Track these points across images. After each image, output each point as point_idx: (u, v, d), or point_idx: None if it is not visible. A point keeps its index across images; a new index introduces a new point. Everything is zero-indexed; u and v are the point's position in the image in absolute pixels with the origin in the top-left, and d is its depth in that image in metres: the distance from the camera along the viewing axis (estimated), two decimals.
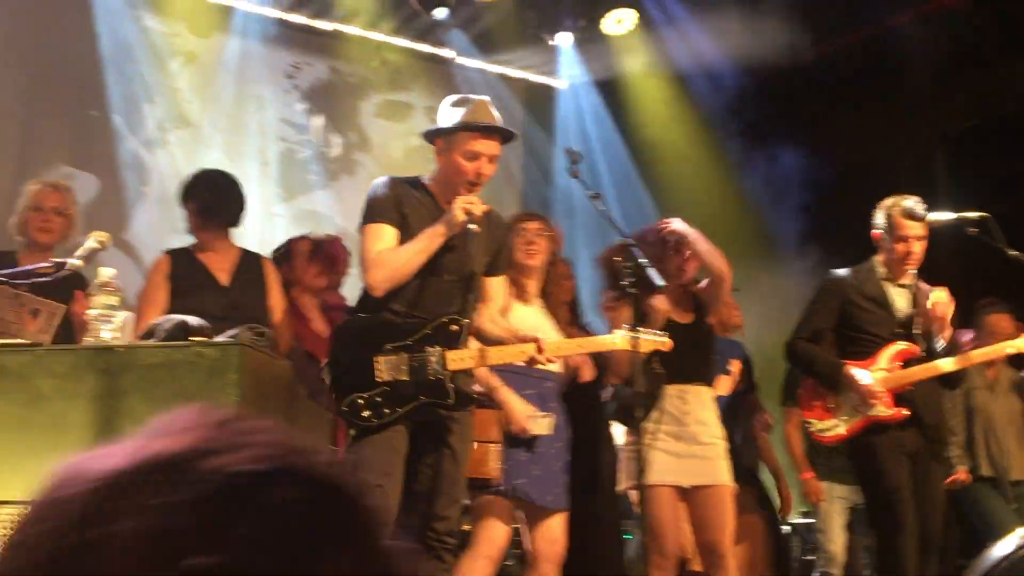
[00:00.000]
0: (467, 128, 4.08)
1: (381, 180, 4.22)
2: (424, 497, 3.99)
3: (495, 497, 4.59)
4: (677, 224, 5.00)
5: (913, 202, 4.98)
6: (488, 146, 4.08)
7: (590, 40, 9.38)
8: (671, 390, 4.90)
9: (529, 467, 4.62)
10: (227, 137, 8.46)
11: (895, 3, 9.15)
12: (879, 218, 5.07)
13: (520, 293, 4.91)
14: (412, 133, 9.36)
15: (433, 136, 4.21)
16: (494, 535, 4.60)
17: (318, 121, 9.03)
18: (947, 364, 4.93)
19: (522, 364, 4.21)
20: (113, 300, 3.03)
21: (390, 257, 3.98)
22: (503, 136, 4.17)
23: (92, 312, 3.01)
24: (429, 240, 3.97)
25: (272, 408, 2.97)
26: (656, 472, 4.72)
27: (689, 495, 4.87)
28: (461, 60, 9.49)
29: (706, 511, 4.85)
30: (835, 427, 4.98)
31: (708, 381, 5.12)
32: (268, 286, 4.88)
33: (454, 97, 4.28)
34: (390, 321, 3.99)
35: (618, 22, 9.11)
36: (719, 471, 4.88)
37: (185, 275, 4.68)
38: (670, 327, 4.82)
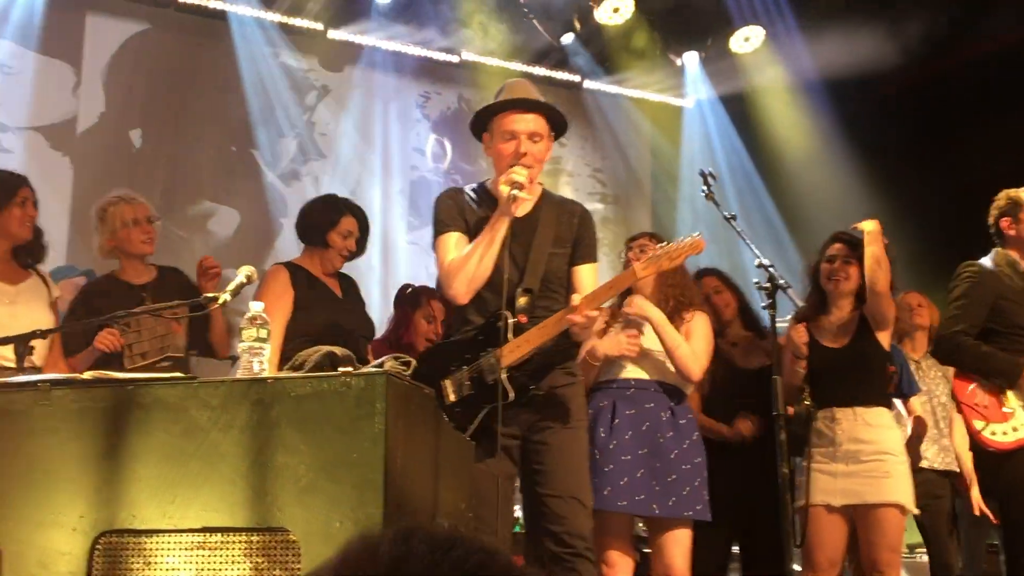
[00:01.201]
0: (495, 108, 3.96)
1: (442, 192, 4.13)
2: (539, 505, 3.86)
3: None
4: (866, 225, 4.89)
5: None
6: (524, 122, 3.90)
7: (717, 58, 9.33)
8: (823, 414, 4.84)
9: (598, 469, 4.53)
10: (359, 167, 8.64)
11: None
12: (1006, 205, 4.91)
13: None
14: None
15: (480, 134, 4.07)
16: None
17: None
18: None
19: (572, 331, 3.88)
20: (263, 333, 3.10)
21: (461, 261, 3.87)
22: (542, 112, 3.97)
23: (243, 345, 3.09)
24: (491, 229, 3.83)
25: (417, 436, 3.01)
26: (812, 492, 4.68)
27: (854, 513, 4.78)
28: (588, 83, 9.51)
29: (864, 530, 4.74)
30: (1015, 431, 4.69)
31: (865, 401, 4.96)
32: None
33: (499, 89, 4.12)
34: (458, 339, 3.93)
35: (746, 39, 9.05)
36: (879, 490, 4.74)
37: (306, 287, 4.92)
38: (817, 352, 4.78)
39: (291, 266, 5.07)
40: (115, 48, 8.13)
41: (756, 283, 4.50)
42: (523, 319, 3.86)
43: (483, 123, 4.02)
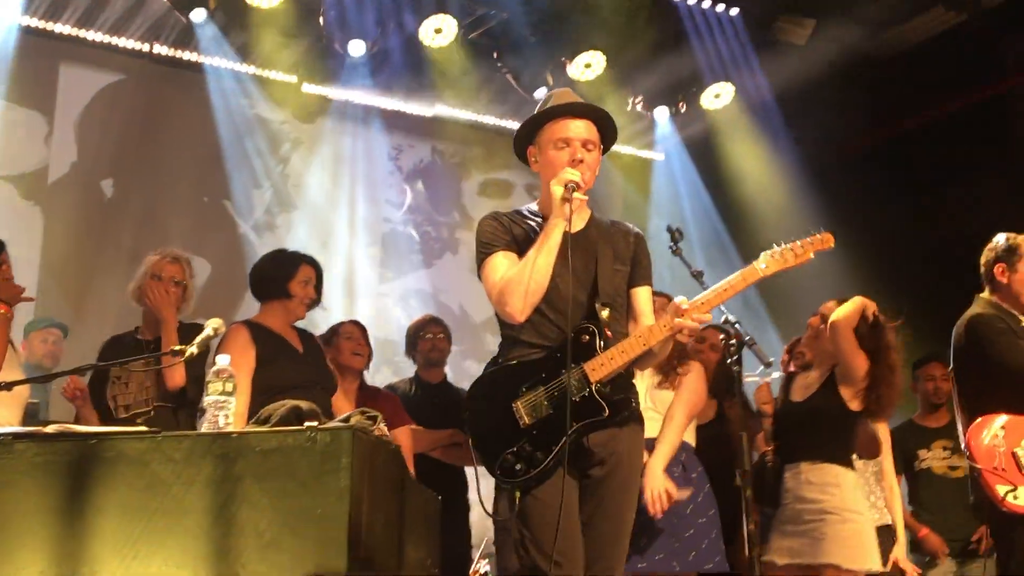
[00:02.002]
0: (545, 116, 3.73)
1: (485, 216, 3.84)
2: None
3: None
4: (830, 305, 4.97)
5: None
6: (576, 128, 3.68)
7: (688, 113, 9.44)
8: (786, 469, 4.87)
9: None
10: (332, 219, 8.65)
11: (1004, 66, 9.07)
12: (1002, 251, 4.92)
13: None
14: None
15: (524, 148, 3.82)
16: None
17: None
18: None
19: (679, 338, 3.65)
20: (228, 387, 3.10)
21: (515, 276, 3.58)
22: (595, 120, 3.75)
23: (208, 399, 3.09)
24: (546, 237, 3.56)
25: (383, 491, 3.00)
26: (768, 549, 4.70)
27: (796, 573, 4.79)
28: None
29: None
30: None
31: (813, 458, 4.98)
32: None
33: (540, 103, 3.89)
34: (522, 361, 3.61)
35: (716, 96, 9.16)
36: (815, 551, 4.76)
37: (267, 343, 4.93)
38: (783, 408, 4.82)
39: (250, 324, 5.13)
40: (89, 98, 8.15)
41: (722, 339, 4.54)
42: (609, 333, 3.63)
43: (529, 136, 3.79)
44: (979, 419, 4.72)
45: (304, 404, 3.09)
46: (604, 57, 8.67)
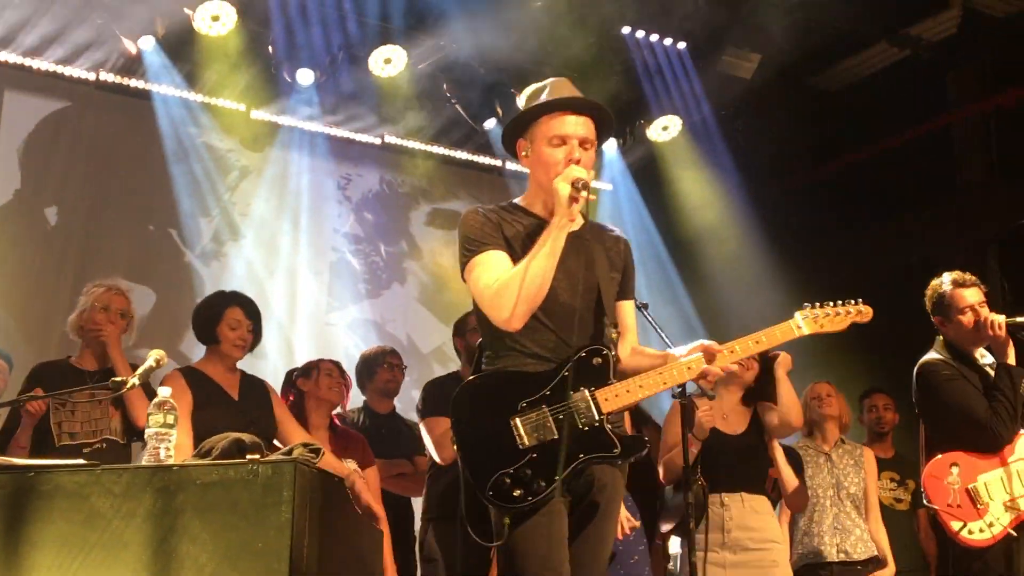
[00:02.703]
0: (540, 109, 3.47)
1: (469, 211, 3.56)
2: None
3: None
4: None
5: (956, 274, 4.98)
6: (575, 125, 3.43)
7: (635, 144, 9.52)
8: (713, 498, 4.92)
9: None
10: (279, 248, 8.60)
11: (946, 103, 9.24)
12: (934, 303, 5.00)
13: None
14: None
15: (513, 141, 3.56)
16: None
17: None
18: None
19: (700, 383, 3.46)
20: (170, 419, 3.07)
21: (513, 279, 3.29)
22: (594, 116, 3.51)
23: (149, 431, 3.06)
24: (550, 238, 3.30)
25: (326, 525, 2.98)
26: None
27: None
28: (510, 166, 9.62)
29: None
30: (991, 526, 4.68)
31: (754, 488, 5.09)
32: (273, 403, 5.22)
33: (528, 90, 3.65)
34: (519, 371, 3.32)
35: (664, 128, 9.24)
36: None
37: (201, 389, 4.93)
38: (715, 436, 4.87)
39: (187, 369, 5.17)
40: (33, 125, 8.06)
41: None
42: (620, 358, 3.42)
43: (521, 127, 3.54)
44: (933, 459, 4.85)
45: (247, 437, 3.06)
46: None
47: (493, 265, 3.37)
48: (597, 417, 3.26)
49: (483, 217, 3.48)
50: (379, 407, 6.51)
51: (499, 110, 8.95)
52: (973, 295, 4.94)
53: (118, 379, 3.61)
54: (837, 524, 5.89)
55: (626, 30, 8.60)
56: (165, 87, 8.20)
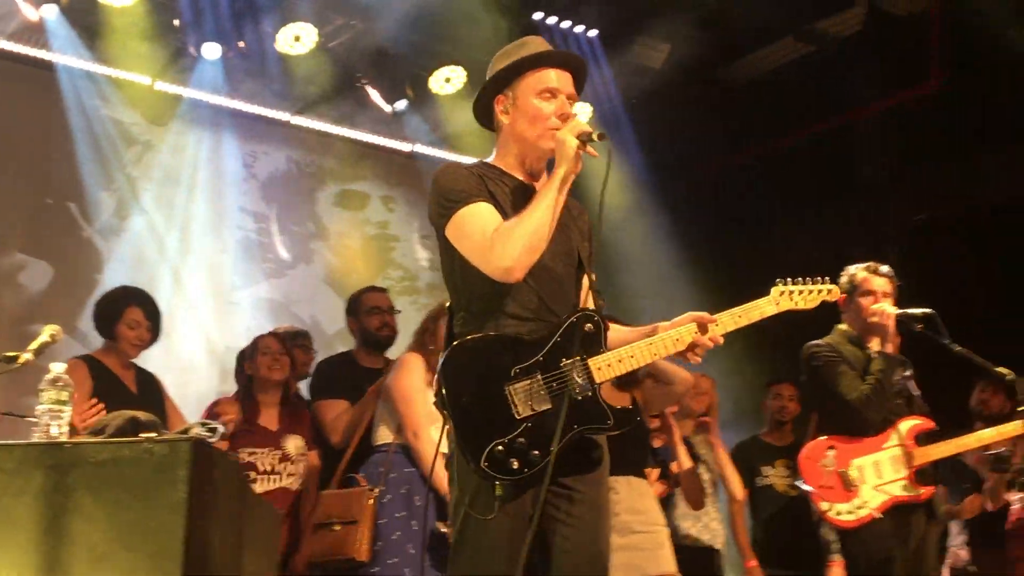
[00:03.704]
0: (534, 60, 3.35)
1: (447, 164, 3.41)
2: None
3: None
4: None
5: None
6: (563, 80, 3.35)
7: None
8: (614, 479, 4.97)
9: (404, 544, 4.57)
10: (183, 224, 8.46)
11: (849, 99, 9.40)
12: (845, 285, 5.11)
13: None
14: (369, 222, 9.44)
15: (491, 98, 3.41)
16: None
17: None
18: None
19: (687, 356, 3.34)
20: (63, 396, 3.01)
21: (517, 225, 3.13)
22: (579, 73, 3.42)
23: (41, 407, 3.00)
24: (554, 191, 3.17)
25: (222, 505, 2.95)
26: None
27: None
28: (421, 150, 9.58)
29: None
30: (860, 508, 4.87)
31: (639, 472, 5.16)
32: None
33: (501, 51, 3.49)
34: (510, 335, 3.18)
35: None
36: (657, 561, 4.88)
37: (101, 380, 4.93)
38: None
39: (89, 359, 5.22)
40: None
41: None
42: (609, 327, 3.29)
43: (501, 83, 3.39)
44: (812, 442, 5.08)
45: (142, 415, 3.02)
46: (465, 72, 8.71)
47: (486, 216, 3.21)
48: (590, 386, 3.16)
49: (465, 170, 3.34)
50: (292, 387, 6.45)
51: (409, 92, 8.91)
52: (882, 284, 5.10)
53: (10, 354, 3.53)
54: (687, 510, 6.02)
55: (539, 15, 8.62)
56: (68, 57, 8.00)
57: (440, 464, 4.71)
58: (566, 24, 8.73)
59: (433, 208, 3.31)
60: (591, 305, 3.30)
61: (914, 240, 9.04)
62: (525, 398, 3.10)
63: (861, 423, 4.97)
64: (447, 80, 8.77)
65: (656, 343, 3.26)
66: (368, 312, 6.25)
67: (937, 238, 8.92)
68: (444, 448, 3.29)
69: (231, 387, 7.75)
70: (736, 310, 3.43)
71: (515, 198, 3.29)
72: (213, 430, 2.92)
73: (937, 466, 5.05)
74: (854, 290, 5.10)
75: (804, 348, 5.17)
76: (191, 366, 8.07)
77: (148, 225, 8.35)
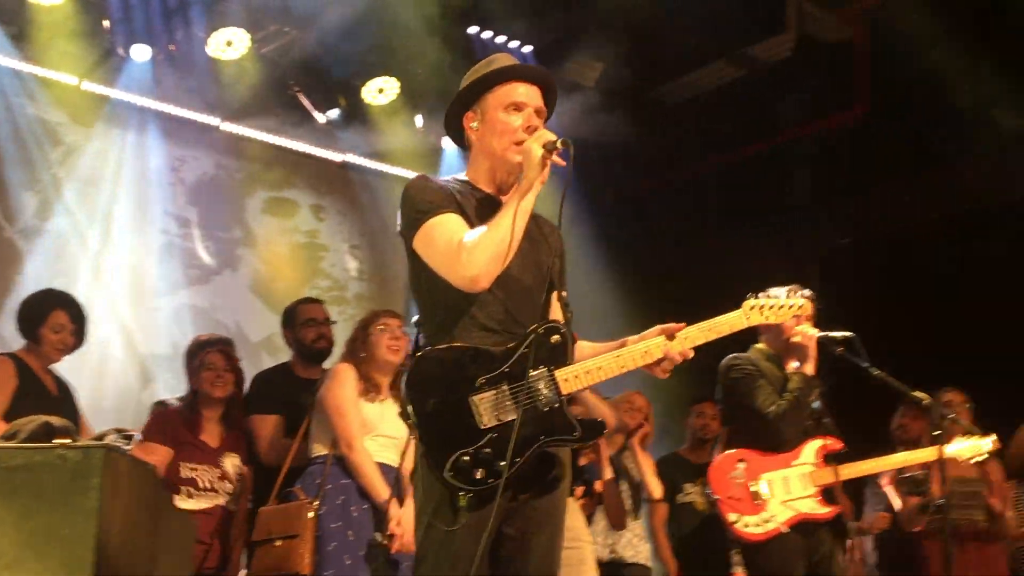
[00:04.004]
0: (498, 75, 3.36)
1: (417, 177, 3.38)
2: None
3: None
4: None
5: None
6: (530, 94, 3.35)
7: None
8: None
9: (341, 555, 4.58)
10: (106, 228, 8.32)
11: (778, 123, 9.54)
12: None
13: (372, 389, 4.99)
14: (298, 231, 9.37)
15: (460, 115, 3.43)
16: None
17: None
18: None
19: (654, 365, 3.31)
20: None
21: (484, 235, 3.12)
22: (545, 86, 3.42)
23: None
24: (522, 200, 3.16)
25: (136, 512, 2.90)
26: None
27: None
28: (351, 159, 9.54)
29: None
30: (767, 522, 4.91)
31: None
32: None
33: (471, 70, 3.49)
34: (475, 346, 3.16)
35: None
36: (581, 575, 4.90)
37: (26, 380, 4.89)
38: None
39: (15, 357, 5.16)
40: None
41: None
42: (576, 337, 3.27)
43: (469, 100, 3.41)
44: (723, 455, 5.12)
45: (56, 420, 2.96)
46: (398, 83, 8.70)
47: (453, 226, 3.19)
48: (557, 398, 3.14)
49: (435, 183, 3.34)
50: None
51: (342, 101, 8.87)
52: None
53: None
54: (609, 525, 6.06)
55: (473, 29, 8.64)
56: None
57: (376, 475, 4.71)
58: (501, 39, 8.75)
59: (402, 220, 3.30)
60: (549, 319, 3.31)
61: (836, 263, 9.19)
62: (491, 408, 3.08)
63: (774, 438, 5.04)
64: (380, 91, 8.76)
65: (624, 356, 3.24)
66: (304, 324, 6.23)
67: (858, 262, 9.08)
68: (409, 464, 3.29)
69: (151, 393, 7.68)
70: (705, 324, 3.41)
71: (484, 211, 3.26)
72: (128, 437, 2.87)
73: (845, 486, 5.14)
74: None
75: (723, 361, 5.23)
76: (110, 370, 7.95)
77: (71, 227, 8.20)
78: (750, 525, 4.90)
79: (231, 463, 5.52)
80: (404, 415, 3.17)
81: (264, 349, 8.68)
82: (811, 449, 5.09)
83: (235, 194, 9.16)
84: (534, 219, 3.35)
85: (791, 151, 9.78)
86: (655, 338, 3.27)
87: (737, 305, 5.14)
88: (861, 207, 9.17)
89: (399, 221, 3.31)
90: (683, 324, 3.31)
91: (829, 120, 9.37)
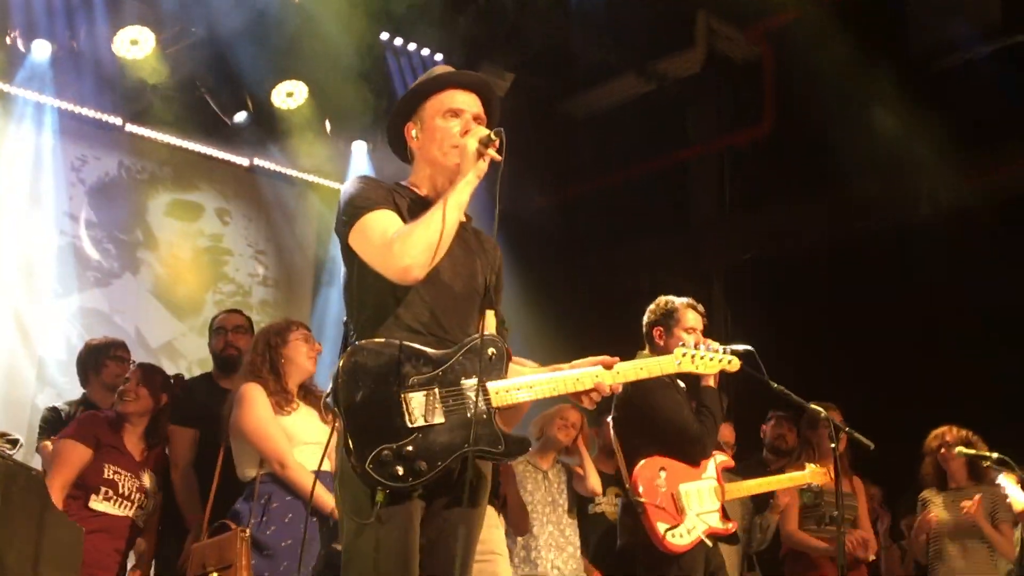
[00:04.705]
0: (433, 83, 3.41)
1: (356, 178, 3.38)
2: None
3: None
4: None
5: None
6: (466, 100, 3.39)
7: (384, 149, 9.48)
8: None
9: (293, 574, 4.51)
10: (1, 227, 8.10)
11: (686, 138, 9.66)
12: (661, 314, 5.21)
13: (284, 402, 4.91)
14: (202, 234, 9.22)
15: (400, 127, 3.45)
16: None
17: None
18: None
19: (579, 399, 3.33)
20: None
21: (417, 226, 3.13)
22: (482, 92, 3.45)
23: None
24: (458, 193, 3.18)
25: (18, 521, 2.82)
26: None
27: None
28: (258, 162, 9.42)
29: None
30: (689, 533, 4.92)
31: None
32: None
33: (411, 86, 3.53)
34: (412, 346, 3.13)
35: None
36: None
37: None
38: None
39: None
40: None
41: None
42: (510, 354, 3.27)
43: (408, 111, 3.43)
44: (645, 460, 5.04)
45: None
46: (307, 88, 8.63)
47: (388, 221, 3.20)
48: (487, 410, 3.14)
49: (374, 182, 3.35)
50: (103, 402, 6.20)
51: (250, 103, 8.76)
52: (698, 320, 5.21)
53: None
54: (552, 540, 6.03)
55: (385, 35, 8.60)
56: None
57: (318, 486, 4.60)
58: (412, 46, 8.73)
59: (339, 217, 3.29)
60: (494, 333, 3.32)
61: (738, 276, 9.33)
62: (420, 408, 3.06)
63: (696, 452, 5.08)
64: (289, 95, 8.67)
65: (557, 381, 3.25)
66: (215, 332, 6.21)
67: (761, 276, 9.23)
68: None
69: (47, 397, 7.49)
70: (639, 362, 3.48)
71: (421, 213, 3.23)
72: (14, 442, 2.79)
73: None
74: (673, 322, 5.17)
75: None
76: (5, 373, 7.75)
77: None
78: (676, 536, 4.88)
79: (149, 480, 5.40)
80: (330, 403, 3.13)
81: (164, 354, 8.54)
82: (714, 464, 5.15)
83: (137, 196, 8.98)
84: (474, 233, 3.43)
85: (699, 166, 9.92)
86: (589, 369, 3.29)
87: (637, 321, 5.25)
88: (764, 223, 9.32)
89: (336, 220, 3.30)
90: (618, 358, 3.34)
91: (735, 136, 9.52)
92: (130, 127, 8.70)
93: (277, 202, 9.67)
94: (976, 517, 6.21)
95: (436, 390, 3.09)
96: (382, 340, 3.12)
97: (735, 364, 3.93)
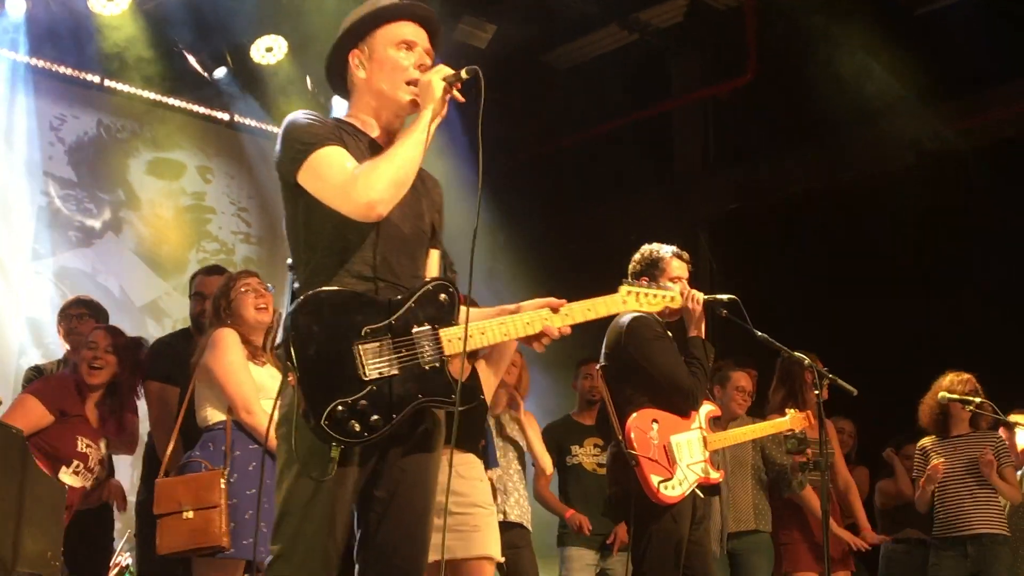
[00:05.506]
0: (387, 13, 3.25)
1: (297, 113, 3.19)
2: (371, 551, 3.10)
3: (227, 562, 4.44)
4: None
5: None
6: (420, 35, 3.26)
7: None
8: None
9: (257, 523, 4.48)
10: None
11: (669, 89, 9.60)
12: (646, 264, 5.18)
13: (254, 352, 4.86)
14: (184, 192, 9.18)
15: (345, 53, 3.28)
16: None
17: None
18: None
19: (531, 339, 3.25)
20: None
21: (379, 161, 3.03)
22: (434, 30, 3.32)
23: None
24: (420, 131, 3.08)
25: (1, 477, 2.81)
26: None
27: (447, 567, 4.78)
28: (239, 119, 9.36)
29: None
30: (680, 484, 4.90)
31: (470, 448, 5.03)
32: None
33: (353, 11, 3.34)
34: (363, 293, 3.05)
35: None
36: (469, 544, 4.80)
37: None
38: None
39: None
40: None
41: None
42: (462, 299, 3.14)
43: (355, 38, 3.27)
44: (637, 412, 4.99)
45: None
46: (286, 43, 8.54)
47: (344, 156, 3.06)
48: (438, 357, 3.05)
49: (317, 117, 3.16)
50: None
51: (229, 59, 8.68)
52: (683, 269, 5.18)
53: None
54: (500, 485, 6.02)
55: None
56: None
57: None
58: None
59: (283, 155, 3.12)
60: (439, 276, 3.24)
61: (723, 228, 9.31)
62: (373, 359, 2.97)
63: (688, 404, 5.07)
64: (268, 50, 8.59)
65: (507, 324, 3.18)
66: (194, 297, 6.11)
67: (746, 227, 9.21)
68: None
69: (30, 358, 7.47)
70: (586, 303, 3.37)
71: (366, 153, 3.14)
72: None
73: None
74: (659, 271, 5.13)
75: (627, 318, 5.09)
76: None
77: None
78: (668, 488, 4.85)
79: (104, 448, 5.36)
80: (281, 355, 3.05)
81: (148, 314, 8.52)
82: (703, 414, 5.14)
83: (118, 154, 8.92)
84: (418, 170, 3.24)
85: (683, 117, 9.87)
86: (538, 311, 3.23)
87: (622, 273, 5.19)
88: (749, 174, 9.29)
89: (278, 157, 3.15)
90: (564, 300, 3.27)
91: (719, 87, 9.46)
92: (108, 83, 8.61)
93: (259, 159, 9.59)
94: (989, 470, 6.30)
95: (388, 340, 3.01)
96: (333, 288, 3.02)
97: (676, 300, 3.89)
